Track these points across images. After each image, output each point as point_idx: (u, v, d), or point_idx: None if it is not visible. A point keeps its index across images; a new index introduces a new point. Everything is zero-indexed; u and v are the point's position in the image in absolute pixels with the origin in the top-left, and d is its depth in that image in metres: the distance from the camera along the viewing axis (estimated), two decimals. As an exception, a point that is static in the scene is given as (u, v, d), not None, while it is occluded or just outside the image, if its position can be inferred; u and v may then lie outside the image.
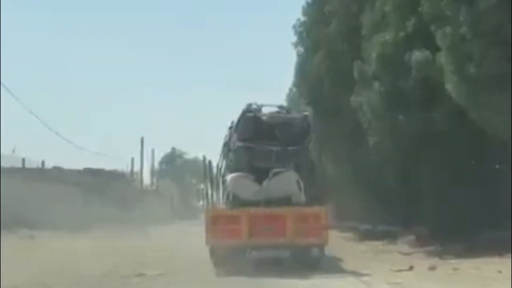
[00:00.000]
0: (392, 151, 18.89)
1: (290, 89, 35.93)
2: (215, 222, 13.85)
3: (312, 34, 24.66)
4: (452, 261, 14.99)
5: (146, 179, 65.11)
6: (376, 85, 18.45)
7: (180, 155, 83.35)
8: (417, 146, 18.20)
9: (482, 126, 15.46)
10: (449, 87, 15.28)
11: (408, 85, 17.47)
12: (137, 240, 22.44)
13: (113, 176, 47.77)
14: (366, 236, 24.41)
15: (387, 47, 17.84)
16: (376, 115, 18.88)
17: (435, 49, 15.91)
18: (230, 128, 15.59)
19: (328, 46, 23.19)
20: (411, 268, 13.60)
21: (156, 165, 78.21)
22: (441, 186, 18.93)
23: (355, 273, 13.09)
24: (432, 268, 13.54)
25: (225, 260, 13.56)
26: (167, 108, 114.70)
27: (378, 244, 21.04)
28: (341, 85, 21.85)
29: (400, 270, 13.24)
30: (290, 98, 35.38)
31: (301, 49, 26.20)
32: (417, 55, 16.77)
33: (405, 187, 21.03)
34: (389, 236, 21.93)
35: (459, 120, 16.49)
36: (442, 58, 15.39)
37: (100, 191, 40.48)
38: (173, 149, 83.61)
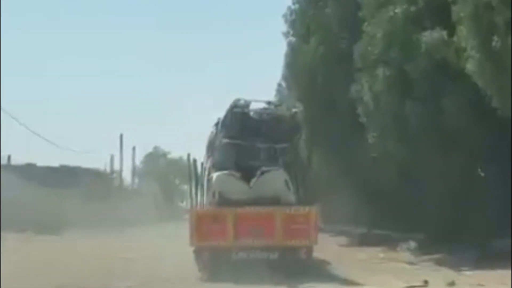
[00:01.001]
0: (394, 148, 17.53)
1: (279, 84, 35.98)
2: (200, 222, 14.12)
3: (306, 19, 23.95)
4: (469, 273, 14.28)
5: (127, 178, 65.69)
6: (380, 69, 17.16)
7: (163, 154, 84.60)
8: (425, 141, 16.74)
9: (506, 116, 14.19)
10: (470, 66, 14.24)
11: (417, 69, 16.22)
12: (112, 244, 21.97)
13: (91, 175, 47.79)
14: (361, 241, 23.83)
15: (395, 23, 16.69)
16: (378, 105, 17.51)
17: (451, 26, 15.04)
18: (216, 125, 15.88)
19: (323, 31, 22.51)
20: (426, 283, 12.69)
21: (138, 164, 79.75)
22: (449, 188, 17.65)
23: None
24: (451, 284, 12.51)
25: (210, 262, 13.82)
26: (150, 105, 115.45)
27: (377, 251, 20.21)
28: (338, 74, 21.25)
29: (414, 287, 12.46)
30: (279, 94, 35.26)
31: (292, 39, 25.74)
32: (430, 34, 15.76)
33: (406, 189, 19.95)
34: (387, 242, 21.41)
35: (476, 110, 15.40)
36: (463, 31, 14.29)
37: (76, 190, 40.46)
38: (156, 147, 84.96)
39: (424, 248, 18.73)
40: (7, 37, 76.22)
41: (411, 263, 16.85)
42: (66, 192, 37.71)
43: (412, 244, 19.72)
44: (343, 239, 26.06)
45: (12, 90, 76.16)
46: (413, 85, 16.59)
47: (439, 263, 16.43)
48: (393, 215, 22.66)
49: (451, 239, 17.80)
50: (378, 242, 22.01)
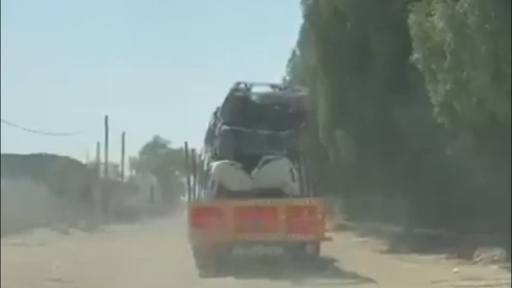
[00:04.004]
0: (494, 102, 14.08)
1: (293, 52, 37.27)
2: (198, 215, 15.92)
3: None
4: None
5: (121, 170, 68.83)
6: None
7: (164, 145, 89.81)
8: None
9: None
10: None
11: None
12: (85, 251, 22.38)
13: (70, 164, 49.16)
14: (400, 243, 22.21)
15: None
16: (463, 39, 13.99)
17: None
18: (215, 113, 17.80)
19: None
20: None
21: (137, 155, 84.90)
22: None
23: None
24: None
25: (210, 258, 15.61)
26: (150, 94, 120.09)
27: (442, 263, 17.41)
28: (378, 14, 20.26)
29: None
30: (293, 64, 36.83)
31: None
32: None
33: (490, 169, 16.91)
34: (443, 246, 19.24)
35: None
36: None
37: (52, 182, 42.00)
38: (156, 137, 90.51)
39: None
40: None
41: None
42: (39, 185, 38.63)
43: (500, 253, 16.86)
44: (375, 241, 25.25)
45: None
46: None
47: None
48: (445, 209, 21.43)
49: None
50: (430, 246, 19.86)
